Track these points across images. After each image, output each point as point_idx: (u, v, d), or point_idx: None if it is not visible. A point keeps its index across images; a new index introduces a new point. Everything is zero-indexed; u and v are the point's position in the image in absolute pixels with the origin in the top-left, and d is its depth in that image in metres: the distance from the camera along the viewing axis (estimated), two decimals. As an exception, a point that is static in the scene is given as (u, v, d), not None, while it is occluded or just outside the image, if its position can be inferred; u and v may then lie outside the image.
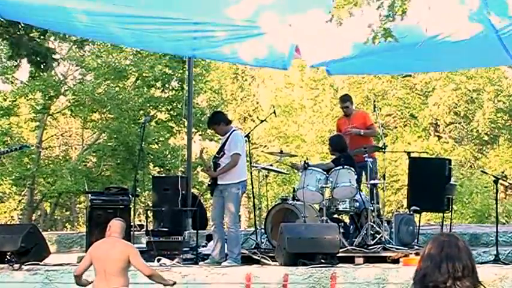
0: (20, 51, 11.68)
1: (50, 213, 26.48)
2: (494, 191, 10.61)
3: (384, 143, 11.66)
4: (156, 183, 11.99)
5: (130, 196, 11.12)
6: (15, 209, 25.82)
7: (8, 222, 23.77)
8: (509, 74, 26.88)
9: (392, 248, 10.35)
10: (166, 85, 22.37)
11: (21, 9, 9.80)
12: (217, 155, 10.53)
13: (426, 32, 8.43)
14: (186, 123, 13.56)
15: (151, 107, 22.40)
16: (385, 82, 27.05)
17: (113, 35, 10.28)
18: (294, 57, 9.75)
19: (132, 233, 10.40)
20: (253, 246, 10.99)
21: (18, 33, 11.61)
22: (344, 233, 10.56)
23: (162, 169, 22.24)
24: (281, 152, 12.54)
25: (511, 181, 24.10)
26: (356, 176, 10.91)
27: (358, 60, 10.34)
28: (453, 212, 11.58)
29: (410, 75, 27.33)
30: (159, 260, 10.06)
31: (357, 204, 10.92)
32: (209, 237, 11.15)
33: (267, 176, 12.18)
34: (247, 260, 10.27)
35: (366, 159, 10.98)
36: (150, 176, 19.00)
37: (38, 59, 11.65)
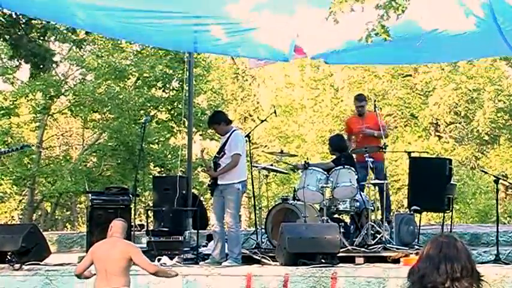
0: (19, 51, 11.69)
1: (51, 213, 26.48)
2: (495, 190, 10.61)
3: (385, 143, 11.64)
4: (157, 183, 12.01)
5: (131, 196, 11.12)
6: (15, 209, 25.82)
7: (9, 222, 23.78)
8: (510, 73, 26.88)
9: (392, 247, 10.35)
10: (167, 85, 22.37)
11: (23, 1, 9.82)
12: (217, 155, 10.54)
13: (423, 29, 8.44)
14: (186, 123, 13.56)
15: (151, 107, 22.39)
16: (385, 82, 27.05)
17: (113, 30, 10.29)
18: (294, 57, 9.74)
19: (132, 232, 10.40)
20: (253, 246, 10.99)
21: (18, 33, 11.61)
22: (344, 233, 10.57)
23: (162, 169, 22.24)
24: (281, 152, 12.55)
25: (512, 181, 24.09)
26: (356, 176, 10.92)
27: (357, 51, 10.32)
28: (456, 212, 11.58)
29: (410, 75, 27.37)
30: (159, 260, 10.07)
31: (357, 204, 10.92)
32: (210, 237, 11.16)
33: (267, 176, 12.18)
34: (247, 260, 10.27)
35: (366, 159, 11.00)
36: (151, 176, 19.01)
37: (37, 60, 11.65)
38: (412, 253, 9.97)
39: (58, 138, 27.02)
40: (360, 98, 12.40)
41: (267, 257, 10.17)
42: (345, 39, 9.12)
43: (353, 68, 26.47)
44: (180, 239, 10.65)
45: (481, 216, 24.01)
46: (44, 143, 24.32)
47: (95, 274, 7.67)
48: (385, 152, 11.53)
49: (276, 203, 11.74)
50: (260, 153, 24.18)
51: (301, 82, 28.08)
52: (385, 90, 27.35)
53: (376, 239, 10.43)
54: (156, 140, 22.49)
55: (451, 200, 11.16)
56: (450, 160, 11.88)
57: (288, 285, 8.96)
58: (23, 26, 11.63)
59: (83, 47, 16.42)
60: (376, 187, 11.10)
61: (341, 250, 9.81)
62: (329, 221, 10.57)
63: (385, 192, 11.01)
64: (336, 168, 10.82)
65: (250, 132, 11.62)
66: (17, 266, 9.82)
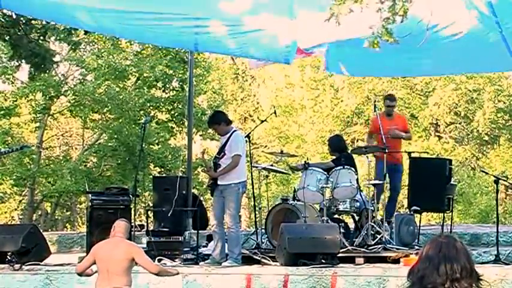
0: (19, 52, 11.69)
1: (51, 213, 26.48)
2: (495, 191, 10.61)
3: (385, 143, 11.65)
4: (157, 183, 12.00)
5: (131, 196, 11.12)
6: (15, 209, 25.83)
7: (9, 223, 23.78)
8: (509, 73, 26.87)
9: (392, 248, 10.35)
10: (167, 85, 22.38)
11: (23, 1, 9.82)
12: (217, 156, 10.53)
13: (428, 26, 8.43)
14: (186, 123, 13.57)
15: (151, 107, 22.40)
16: (385, 82, 27.05)
17: (114, 30, 10.31)
18: (295, 57, 9.74)
19: (132, 233, 10.39)
20: (253, 246, 10.99)
21: (18, 34, 11.61)
22: (344, 233, 10.57)
23: (162, 169, 22.25)
24: (281, 152, 12.55)
25: (512, 181, 24.09)
26: (356, 176, 10.92)
27: (358, 61, 10.33)
28: (457, 212, 11.58)
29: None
30: (159, 260, 10.06)
31: (358, 204, 10.92)
32: (210, 238, 11.16)
33: (267, 176, 12.19)
34: (247, 260, 10.27)
35: (369, 159, 11.02)
36: (151, 176, 19.01)
37: (37, 60, 11.65)
38: (412, 253, 9.97)
39: (58, 139, 27.03)
40: (391, 98, 12.39)
41: (267, 257, 10.17)
42: (344, 37, 9.12)
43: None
44: (180, 239, 10.65)
45: (482, 217, 24.01)
46: (44, 143, 24.33)
47: (96, 272, 7.67)
48: (385, 152, 11.53)
49: (276, 203, 11.74)
50: (260, 154, 24.19)
51: (301, 82, 28.09)
52: (385, 90, 27.33)
53: (376, 239, 10.43)
54: (156, 141, 22.50)
55: (451, 200, 11.15)
56: (450, 160, 11.89)
57: (288, 285, 8.97)
58: (23, 26, 11.62)
59: (81, 48, 16.44)
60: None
61: (341, 250, 9.81)
62: (329, 221, 10.57)
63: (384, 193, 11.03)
64: (336, 168, 10.83)
65: (250, 133, 11.62)
66: (17, 266, 9.82)
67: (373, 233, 10.53)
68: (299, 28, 9.08)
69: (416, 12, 8.01)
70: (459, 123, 28.11)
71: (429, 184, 10.98)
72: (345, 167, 10.78)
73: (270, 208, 11.48)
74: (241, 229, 11.15)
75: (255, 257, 10.34)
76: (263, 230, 11.15)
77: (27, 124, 23.75)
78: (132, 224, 10.65)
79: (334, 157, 11.39)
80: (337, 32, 8.94)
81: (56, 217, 27.36)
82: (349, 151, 12.04)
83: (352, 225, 11.50)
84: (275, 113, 12.78)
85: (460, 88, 26.41)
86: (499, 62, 10.17)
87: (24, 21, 11.65)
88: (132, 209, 11.14)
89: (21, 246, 10.08)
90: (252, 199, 11.35)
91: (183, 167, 12.61)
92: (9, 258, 9.96)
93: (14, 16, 11.51)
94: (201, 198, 13.39)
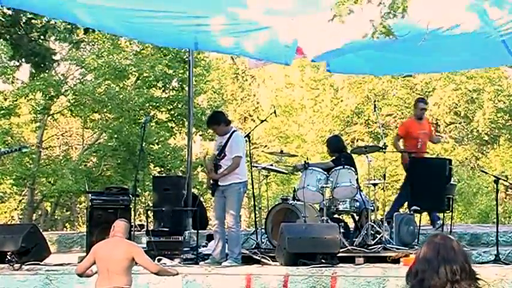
0: (19, 51, 11.69)
1: (51, 213, 26.48)
2: (495, 191, 10.61)
3: (384, 143, 11.66)
4: (157, 183, 11.99)
5: (131, 196, 11.11)
6: (15, 209, 25.83)
7: (9, 222, 23.78)
8: (509, 73, 26.88)
9: (392, 248, 10.35)
10: (167, 85, 22.38)
11: None
12: (218, 157, 10.50)
13: (428, 28, 8.42)
14: (186, 123, 13.56)
15: (151, 107, 22.40)
16: (385, 82, 27.06)
17: (114, 28, 10.31)
18: (295, 57, 9.73)
19: (132, 233, 10.39)
20: (253, 246, 10.98)
21: (19, 33, 11.62)
22: (344, 233, 10.57)
23: (162, 169, 22.25)
24: (281, 152, 12.54)
25: (512, 181, 24.09)
26: (356, 176, 10.93)
27: (359, 59, 10.32)
28: (458, 212, 11.58)
29: (410, 76, 27.37)
30: (159, 260, 10.06)
31: (357, 204, 10.92)
32: (209, 237, 11.16)
33: (267, 176, 12.19)
34: (247, 260, 10.27)
35: (369, 159, 11.04)
36: (151, 176, 19.00)
37: (37, 59, 11.65)
38: (412, 253, 9.96)
39: (58, 138, 27.03)
40: (425, 101, 12.50)
41: (267, 257, 10.17)
42: (345, 40, 9.11)
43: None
44: (180, 239, 10.64)
45: (482, 217, 24.01)
46: (44, 143, 24.33)
47: (96, 273, 7.67)
48: (385, 152, 11.54)
49: (276, 203, 11.75)
50: (260, 154, 24.19)
51: (301, 82, 28.10)
52: (385, 90, 27.37)
53: (376, 239, 10.43)
54: (156, 140, 22.50)
55: (451, 200, 11.15)
56: (450, 160, 11.88)
57: (287, 285, 8.96)
58: (23, 25, 11.63)
59: (82, 47, 16.45)
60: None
61: (341, 250, 9.81)
62: (329, 221, 10.57)
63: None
64: (335, 168, 10.83)
65: (250, 133, 11.60)
66: (17, 266, 9.82)
67: (373, 232, 10.53)
68: (304, 38, 9.10)
69: (415, 11, 8.01)
70: (459, 123, 28.11)
71: (429, 184, 10.98)
72: (345, 166, 10.78)
73: (270, 208, 11.48)
74: (241, 229, 11.14)
75: (255, 256, 10.34)
76: (263, 230, 11.15)
77: (27, 124, 23.75)
78: (132, 223, 10.65)
79: (333, 157, 11.40)
80: (341, 40, 8.98)
81: (56, 217, 27.36)
82: (348, 151, 12.05)
83: (352, 225, 11.50)
84: (275, 112, 12.78)
85: (460, 88, 26.41)
86: (496, 57, 10.14)
87: (24, 21, 11.66)
88: (132, 209, 11.14)
89: (21, 246, 10.08)
90: (252, 199, 11.35)
91: (182, 166, 12.60)
92: (9, 258, 9.96)
93: (14, 15, 11.51)
94: (201, 198, 13.37)
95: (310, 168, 10.86)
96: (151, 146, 22.10)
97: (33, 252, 10.25)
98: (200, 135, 22.54)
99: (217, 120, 10.68)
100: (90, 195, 11.44)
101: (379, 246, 10.32)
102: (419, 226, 11.32)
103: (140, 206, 21.85)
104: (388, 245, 10.37)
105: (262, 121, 12.83)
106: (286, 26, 8.98)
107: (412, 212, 11.13)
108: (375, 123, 25.46)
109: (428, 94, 26.99)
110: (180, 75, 21.65)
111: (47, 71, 13.68)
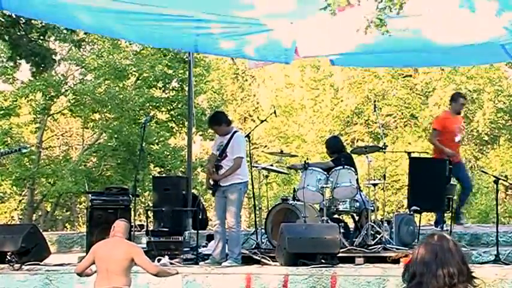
0: (19, 51, 11.69)
1: (51, 213, 26.48)
2: (495, 191, 10.61)
3: (384, 143, 11.66)
4: (157, 183, 11.99)
5: (131, 196, 11.12)
6: (15, 209, 25.83)
7: (9, 222, 23.78)
8: (509, 74, 26.88)
9: (392, 248, 10.35)
10: (167, 85, 22.39)
11: (24, 3, 9.82)
12: (219, 157, 10.48)
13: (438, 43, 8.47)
14: (186, 123, 13.56)
15: (151, 107, 22.41)
16: (385, 82, 27.06)
17: (114, 31, 10.30)
18: (294, 58, 9.74)
19: (132, 233, 10.39)
20: (253, 246, 10.98)
21: (18, 33, 11.61)
22: (344, 233, 10.57)
23: (162, 169, 22.25)
24: (281, 152, 12.54)
25: (512, 181, 24.09)
26: (356, 176, 10.93)
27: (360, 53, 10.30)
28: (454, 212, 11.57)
29: (410, 76, 27.38)
30: (159, 260, 10.06)
31: (357, 204, 10.92)
32: (209, 237, 11.16)
33: (267, 176, 12.18)
34: (247, 260, 10.27)
35: (369, 159, 11.04)
36: (151, 176, 19.01)
37: (37, 59, 11.65)
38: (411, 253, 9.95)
39: (58, 139, 27.03)
40: (465, 97, 12.34)
41: (267, 257, 10.17)
42: (346, 43, 9.12)
43: (353, 68, 26.47)
44: (180, 239, 10.64)
45: (482, 217, 24.01)
46: (43, 143, 24.33)
47: (95, 272, 7.67)
48: (384, 152, 11.54)
49: (276, 203, 11.75)
50: (260, 154, 24.19)
51: (301, 82, 28.10)
52: (385, 90, 27.36)
53: (376, 239, 10.43)
54: (156, 140, 22.51)
55: (451, 200, 11.15)
56: (450, 160, 11.87)
57: (287, 285, 8.96)
58: (23, 26, 11.63)
59: (82, 46, 16.43)
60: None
61: (341, 250, 9.81)
62: (329, 221, 10.57)
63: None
64: (335, 168, 10.83)
65: (250, 133, 11.60)
66: (17, 266, 9.82)
67: (373, 233, 10.53)
68: (301, 37, 9.10)
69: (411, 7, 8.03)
70: (459, 123, 28.07)
71: (429, 184, 10.97)
72: (345, 167, 10.78)
73: (270, 208, 11.48)
74: (241, 229, 11.14)
75: (255, 257, 10.34)
76: (263, 230, 11.15)
77: (27, 124, 23.75)
78: (132, 224, 10.66)
79: (333, 158, 11.39)
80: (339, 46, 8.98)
81: (56, 217, 27.36)
82: (348, 151, 12.05)
83: (352, 225, 11.50)
84: (275, 113, 12.77)
85: (461, 88, 26.38)
86: (492, 54, 10.11)
87: (24, 21, 11.66)
88: (132, 209, 11.14)
89: (21, 246, 10.08)
90: (252, 199, 11.35)
91: (182, 166, 12.61)
92: (9, 258, 9.95)
93: (14, 16, 11.51)
94: (201, 198, 13.36)
95: (310, 168, 10.86)
96: (151, 146, 22.10)
97: (33, 252, 10.25)
98: (200, 135, 22.55)
99: (219, 121, 10.66)
100: (90, 195, 11.44)
101: (379, 246, 10.32)
102: (419, 226, 11.31)
103: (140, 206, 21.86)
104: (388, 245, 10.37)
105: (262, 121, 12.83)
106: (286, 28, 8.99)
107: (412, 212, 11.13)
108: (375, 123, 25.45)
109: (429, 94, 27.00)
110: (180, 75, 21.66)
111: (47, 71, 13.68)
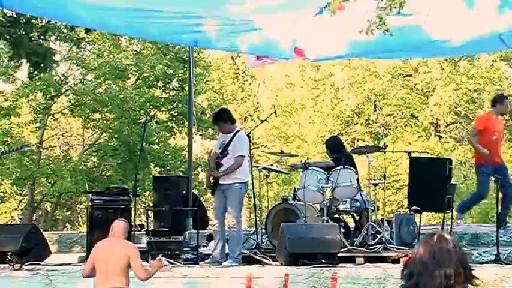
0: (19, 51, 11.68)
1: (51, 213, 26.49)
2: (495, 191, 10.61)
3: (385, 143, 11.67)
4: (157, 183, 11.99)
5: (131, 196, 11.11)
6: (15, 209, 25.85)
7: (9, 222, 23.78)
8: (510, 73, 26.88)
9: (392, 248, 10.36)
10: (167, 85, 22.39)
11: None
12: (220, 155, 10.47)
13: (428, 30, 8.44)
14: (187, 123, 13.56)
15: (151, 107, 22.41)
16: (385, 82, 27.07)
17: (113, 28, 10.31)
18: (294, 58, 9.74)
19: (132, 233, 10.39)
20: (253, 246, 10.98)
21: (19, 33, 11.61)
22: (344, 233, 10.57)
23: (162, 169, 22.25)
24: (281, 152, 12.54)
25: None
26: (356, 176, 10.93)
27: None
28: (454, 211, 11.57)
29: (411, 75, 27.38)
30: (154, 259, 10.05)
31: (358, 204, 10.93)
32: (210, 237, 11.15)
33: (267, 176, 12.18)
34: (248, 260, 10.26)
35: (369, 159, 11.04)
36: (151, 176, 19.01)
37: (37, 59, 11.65)
38: (412, 253, 9.95)
39: (58, 138, 27.03)
40: (507, 98, 12.20)
41: (267, 257, 10.17)
42: (346, 43, 9.11)
43: (353, 68, 26.48)
44: (180, 239, 10.64)
45: (482, 216, 24.00)
46: (44, 143, 24.33)
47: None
48: (385, 152, 11.54)
49: (276, 203, 11.75)
50: (260, 154, 24.19)
51: (302, 82, 28.11)
52: (385, 90, 27.36)
53: (376, 239, 10.43)
54: (157, 140, 22.51)
55: (451, 200, 11.15)
56: (450, 160, 11.87)
57: (288, 285, 8.96)
58: (23, 25, 11.62)
59: (83, 46, 16.46)
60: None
61: (341, 250, 9.81)
62: (329, 221, 10.57)
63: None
64: (336, 168, 10.83)
65: (250, 132, 11.58)
66: (17, 266, 9.81)
67: (373, 232, 10.53)
68: (305, 39, 9.09)
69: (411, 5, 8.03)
70: (459, 123, 28.10)
71: (429, 184, 10.97)
72: (345, 166, 10.78)
73: (270, 208, 11.48)
74: (242, 229, 11.14)
75: (255, 256, 10.34)
76: (263, 230, 11.15)
77: (28, 124, 23.75)
78: (132, 223, 10.65)
79: (333, 158, 11.40)
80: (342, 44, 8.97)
81: (56, 217, 27.37)
82: (348, 151, 12.05)
83: (352, 225, 11.50)
84: (275, 112, 12.78)
85: (461, 88, 26.40)
86: (488, 43, 10.05)
87: (24, 21, 11.65)
88: (132, 209, 11.14)
89: (21, 246, 10.08)
90: (253, 199, 11.35)
91: (183, 166, 12.61)
92: (9, 258, 9.95)
93: (15, 15, 11.51)
94: (201, 198, 13.37)
95: (310, 168, 10.86)
96: (152, 146, 22.10)
97: (34, 252, 10.24)
98: (200, 135, 22.54)
99: (224, 118, 10.61)
100: (90, 195, 11.43)
101: (380, 246, 10.32)
102: (420, 226, 11.31)
103: (140, 206, 21.86)
104: (388, 245, 10.38)
105: (262, 121, 12.83)
106: (286, 24, 8.99)
107: (412, 212, 11.13)
108: (375, 123, 25.46)
109: (429, 94, 27.00)
110: (180, 75, 21.66)
111: (47, 71, 13.67)
